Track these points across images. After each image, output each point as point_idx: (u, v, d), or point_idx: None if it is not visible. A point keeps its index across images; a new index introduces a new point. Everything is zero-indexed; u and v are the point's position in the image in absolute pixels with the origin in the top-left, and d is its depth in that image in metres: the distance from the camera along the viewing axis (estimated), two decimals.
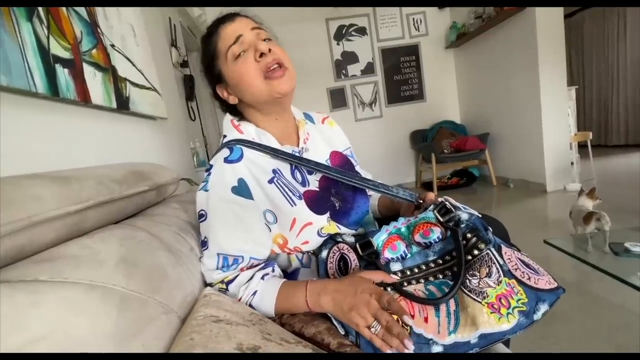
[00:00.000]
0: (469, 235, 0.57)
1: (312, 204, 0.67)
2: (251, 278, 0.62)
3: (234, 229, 0.62)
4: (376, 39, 3.88)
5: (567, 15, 4.89)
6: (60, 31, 0.79)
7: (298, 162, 0.68)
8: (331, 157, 0.78)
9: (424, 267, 0.58)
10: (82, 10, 0.91)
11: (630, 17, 4.59)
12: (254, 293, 0.60)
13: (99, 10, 1.02)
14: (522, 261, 0.56)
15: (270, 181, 0.66)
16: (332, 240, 0.66)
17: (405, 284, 0.58)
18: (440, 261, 0.58)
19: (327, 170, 0.69)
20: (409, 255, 0.60)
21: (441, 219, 0.60)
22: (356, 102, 3.96)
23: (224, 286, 0.61)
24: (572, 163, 3.19)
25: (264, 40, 0.65)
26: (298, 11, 3.65)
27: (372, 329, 0.51)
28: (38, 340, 0.31)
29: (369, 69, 3.92)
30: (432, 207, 0.62)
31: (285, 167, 0.69)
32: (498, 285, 0.53)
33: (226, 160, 0.64)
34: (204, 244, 0.63)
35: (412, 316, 0.53)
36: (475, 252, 0.55)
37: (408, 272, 0.58)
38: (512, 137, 3.34)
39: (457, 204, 0.61)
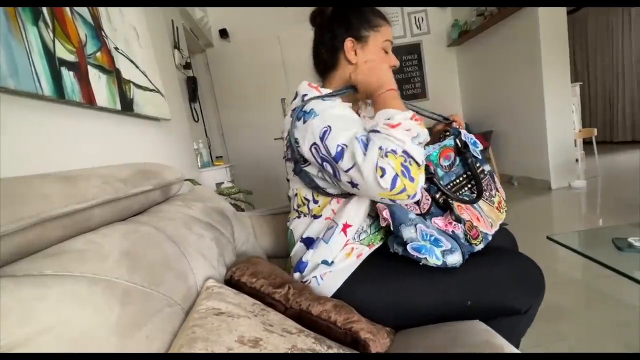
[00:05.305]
0: (477, 164, 0.80)
1: None
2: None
3: (355, 122, 0.68)
4: None
5: (570, 11, 4.86)
6: (66, 35, 0.81)
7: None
8: None
9: (457, 181, 0.80)
10: (86, 13, 0.93)
11: (634, 12, 4.55)
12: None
13: (103, 14, 1.04)
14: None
15: None
16: None
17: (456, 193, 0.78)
18: (460, 179, 0.80)
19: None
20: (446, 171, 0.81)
21: (460, 147, 0.80)
22: None
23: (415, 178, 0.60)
24: (576, 160, 3.17)
25: None
26: (302, 11, 3.65)
27: None
28: (43, 333, 0.32)
29: None
30: (452, 137, 0.82)
31: None
32: (495, 197, 0.83)
33: (321, 98, 0.73)
34: (340, 155, 0.61)
35: (477, 218, 0.76)
36: (482, 176, 0.80)
37: (450, 185, 0.79)
38: (515, 134, 3.33)
39: (468, 138, 0.81)
